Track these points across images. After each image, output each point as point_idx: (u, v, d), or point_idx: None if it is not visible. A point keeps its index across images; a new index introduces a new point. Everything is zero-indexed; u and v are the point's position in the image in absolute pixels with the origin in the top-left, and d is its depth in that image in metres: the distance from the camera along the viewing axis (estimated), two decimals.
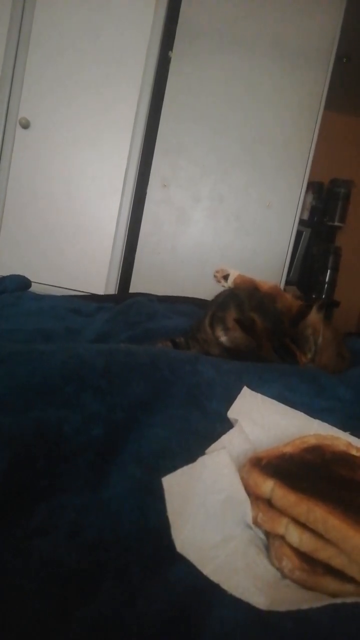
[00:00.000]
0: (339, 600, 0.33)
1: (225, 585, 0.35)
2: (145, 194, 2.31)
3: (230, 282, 1.18)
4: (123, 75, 2.21)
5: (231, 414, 0.59)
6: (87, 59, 2.20)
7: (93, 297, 1.71)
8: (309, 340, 0.82)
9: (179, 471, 0.45)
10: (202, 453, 0.49)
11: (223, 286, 1.19)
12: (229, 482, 0.43)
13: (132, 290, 2.29)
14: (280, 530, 0.39)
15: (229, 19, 2.21)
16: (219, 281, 1.21)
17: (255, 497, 0.42)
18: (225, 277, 1.20)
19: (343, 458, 0.46)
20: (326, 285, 3.54)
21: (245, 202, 2.32)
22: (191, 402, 0.61)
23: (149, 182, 2.30)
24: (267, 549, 0.40)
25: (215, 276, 1.22)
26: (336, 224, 3.59)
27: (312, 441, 0.49)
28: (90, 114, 2.23)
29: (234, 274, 1.19)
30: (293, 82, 2.23)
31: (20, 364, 0.57)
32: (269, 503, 0.41)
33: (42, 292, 1.57)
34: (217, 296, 1.00)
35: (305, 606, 0.33)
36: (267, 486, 0.41)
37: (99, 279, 2.33)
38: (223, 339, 0.87)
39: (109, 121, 2.24)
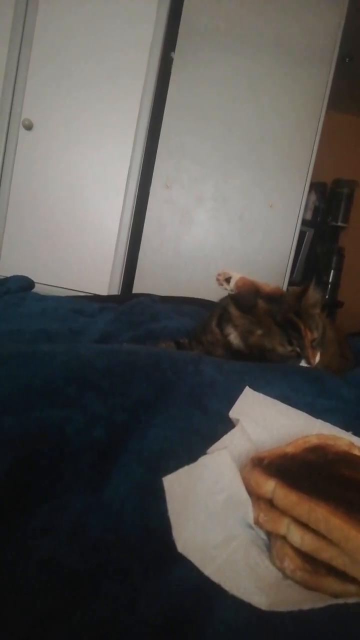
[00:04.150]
0: (340, 601, 0.33)
1: (226, 586, 0.35)
2: (148, 194, 2.32)
3: (232, 285, 1.18)
4: (126, 76, 2.22)
5: (233, 414, 0.59)
6: (90, 60, 2.20)
7: (96, 298, 1.71)
8: (315, 319, 0.83)
9: (180, 471, 0.45)
10: (204, 453, 0.49)
11: (225, 289, 1.19)
12: (230, 482, 0.43)
13: (135, 290, 2.29)
14: (282, 530, 0.39)
15: (231, 18, 2.21)
16: (221, 284, 1.21)
17: (257, 497, 0.42)
18: (228, 280, 1.19)
19: (345, 458, 0.46)
20: (329, 286, 3.53)
21: (248, 203, 2.31)
22: (193, 402, 0.61)
23: (152, 183, 2.30)
24: (269, 549, 0.40)
25: (217, 279, 1.21)
26: (339, 224, 3.59)
27: (315, 441, 0.48)
28: (93, 115, 2.23)
29: (236, 277, 1.18)
30: (296, 82, 2.23)
31: (22, 365, 0.57)
32: (270, 503, 0.41)
33: (46, 292, 1.57)
34: (222, 299, 1.01)
35: (306, 607, 0.33)
36: (269, 486, 0.41)
37: (102, 279, 2.33)
38: (232, 335, 0.87)
39: (111, 122, 2.24)
